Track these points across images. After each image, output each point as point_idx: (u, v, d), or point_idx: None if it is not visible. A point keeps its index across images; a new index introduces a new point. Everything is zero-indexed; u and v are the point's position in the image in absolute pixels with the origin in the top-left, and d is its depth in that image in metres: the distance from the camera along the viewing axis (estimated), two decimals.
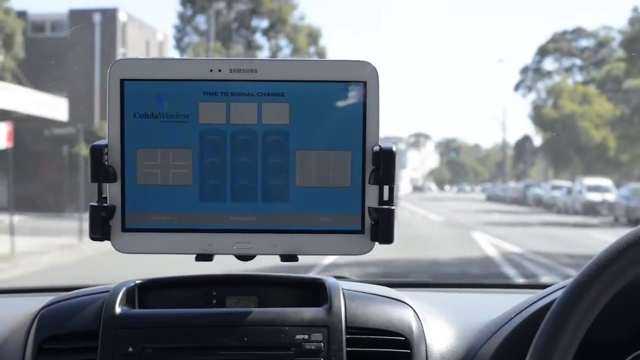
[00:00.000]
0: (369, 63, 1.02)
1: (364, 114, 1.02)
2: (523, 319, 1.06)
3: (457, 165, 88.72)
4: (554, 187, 28.80)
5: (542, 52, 41.22)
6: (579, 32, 40.21)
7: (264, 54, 32.28)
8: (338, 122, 1.02)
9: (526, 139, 43.70)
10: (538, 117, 33.99)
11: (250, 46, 31.24)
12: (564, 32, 40.73)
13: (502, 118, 65.89)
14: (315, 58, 1.02)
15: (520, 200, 33.60)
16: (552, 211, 26.07)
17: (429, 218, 20.97)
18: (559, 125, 31.31)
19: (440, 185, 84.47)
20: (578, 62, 38.51)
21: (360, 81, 1.01)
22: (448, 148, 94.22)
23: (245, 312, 1.07)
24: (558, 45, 40.15)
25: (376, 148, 1.02)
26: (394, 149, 1.01)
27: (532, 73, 41.26)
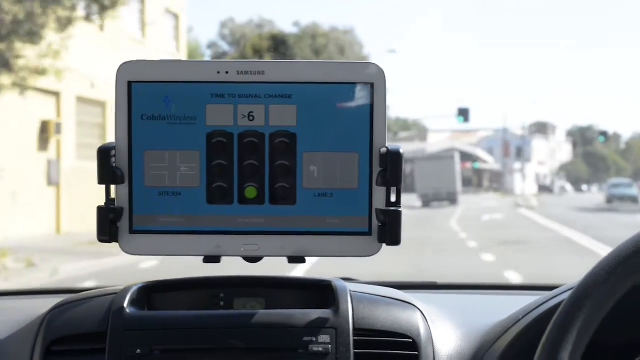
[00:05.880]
0: (376, 65, 1.02)
1: (371, 116, 1.02)
2: (530, 320, 1.06)
3: (595, 159, 70.61)
4: None
5: None
6: None
7: None
8: (345, 124, 1.02)
9: None
10: None
11: None
12: None
13: None
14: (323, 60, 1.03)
15: None
16: None
17: None
18: None
19: (576, 184, 65.28)
20: None
21: (367, 83, 1.02)
22: (584, 138, 75.77)
23: (253, 314, 1.08)
24: None
25: (383, 150, 1.02)
26: (401, 150, 1.01)
27: None
